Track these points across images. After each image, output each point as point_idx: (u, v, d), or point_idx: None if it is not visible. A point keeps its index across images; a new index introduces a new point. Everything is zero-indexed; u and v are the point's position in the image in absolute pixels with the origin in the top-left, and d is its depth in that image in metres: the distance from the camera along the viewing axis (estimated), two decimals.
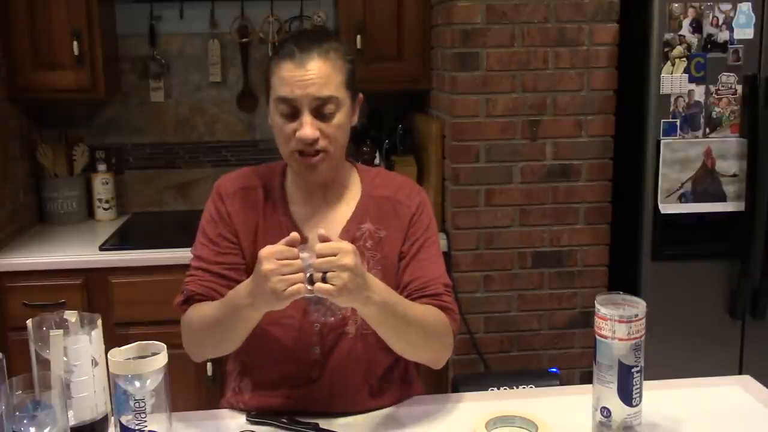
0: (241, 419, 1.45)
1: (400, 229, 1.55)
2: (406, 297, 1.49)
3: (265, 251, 1.26)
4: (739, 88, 2.58)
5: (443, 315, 1.51)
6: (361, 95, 1.53)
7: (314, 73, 1.40)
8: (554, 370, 2.46)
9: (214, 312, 1.42)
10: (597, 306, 1.27)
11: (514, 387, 2.03)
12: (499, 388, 2.01)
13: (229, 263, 1.51)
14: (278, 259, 1.24)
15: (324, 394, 1.49)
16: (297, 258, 1.25)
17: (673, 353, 2.59)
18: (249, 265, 1.50)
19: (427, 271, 1.53)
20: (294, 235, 1.28)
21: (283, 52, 1.44)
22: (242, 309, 1.34)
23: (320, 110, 1.42)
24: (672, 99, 2.57)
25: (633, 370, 1.26)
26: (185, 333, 1.51)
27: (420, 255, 1.54)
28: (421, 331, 1.44)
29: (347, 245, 1.27)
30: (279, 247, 1.26)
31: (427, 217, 1.58)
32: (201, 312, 1.46)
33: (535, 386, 1.98)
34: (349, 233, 1.51)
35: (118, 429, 1.17)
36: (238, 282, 1.44)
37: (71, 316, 1.28)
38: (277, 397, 1.50)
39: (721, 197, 2.62)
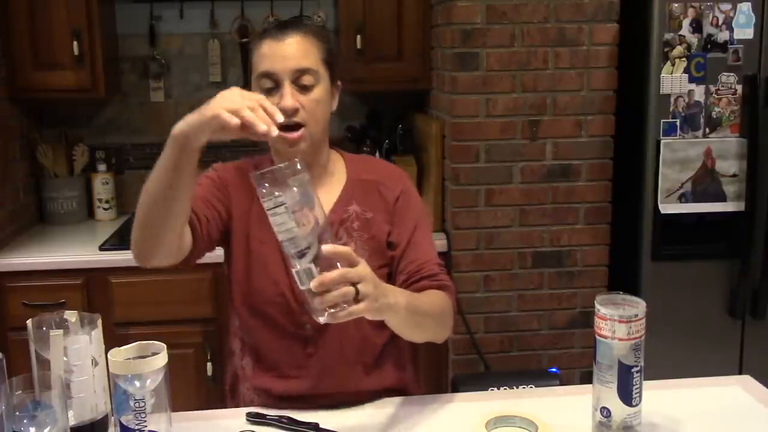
0: (241, 419, 1.45)
1: (386, 211, 1.59)
2: (406, 280, 1.53)
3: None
4: (739, 88, 2.58)
5: (445, 295, 1.55)
6: (339, 83, 1.58)
7: (293, 47, 1.47)
8: (554, 370, 2.46)
9: (144, 188, 1.39)
10: (597, 306, 1.27)
11: (514, 387, 2.02)
12: (499, 388, 2.01)
13: (209, 211, 1.51)
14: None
15: (319, 371, 1.53)
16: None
17: (673, 353, 2.59)
18: (237, 249, 1.54)
19: (421, 253, 1.57)
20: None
21: (263, 34, 1.52)
22: (167, 148, 1.30)
23: (299, 82, 1.46)
24: (672, 99, 2.57)
25: (633, 370, 1.26)
26: (132, 238, 1.50)
27: (414, 240, 1.58)
28: (433, 321, 1.49)
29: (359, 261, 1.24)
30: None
31: (413, 200, 1.64)
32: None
33: (535, 386, 1.98)
34: (336, 214, 1.55)
35: (118, 429, 1.17)
36: (205, 226, 1.47)
37: (71, 316, 1.29)
38: (277, 377, 1.54)
39: (721, 197, 2.62)
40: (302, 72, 1.46)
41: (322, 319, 1.20)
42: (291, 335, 1.54)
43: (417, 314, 1.40)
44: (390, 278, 1.57)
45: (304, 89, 1.47)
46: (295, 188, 1.18)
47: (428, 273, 1.55)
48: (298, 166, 1.19)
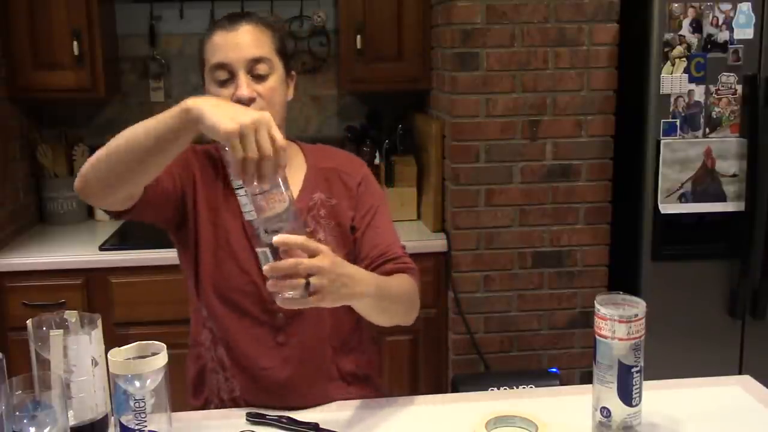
0: (241, 419, 1.45)
1: (349, 198, 1.59)
2: (370, 265, 1.53)
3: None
4: (739, 88, 2.58)
5: (409, 278, 1.56)
6: (294, 73, 1.58)
7: (246, 36, 1.45)
8: (554, 370, 2.46)
9: (129, 133, 1.34)
10: (597, 306, 1.27)
11: (514, 387, 2.02)
12: (499, 388, 2.01)
13: (168, 182, 1.47)
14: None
15: (294, 358, 1.52)
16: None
17: (673, 353, 2.59)
18: (205, 237, 1.52)
19: (383, 237, 1.58)
20: None
21: (214, 26, 1.49)
22: (173, 116, 1.25)
23: (254, 71, 1.45)
24: (672, 99, 2.57)
25: (633, 370, 1.26)
26: (85, 170, 1.37)
27: (374, 223, 1.58)
28: (402, 305, 1.50)
29: (320, 247, 1.23)
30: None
31: (372, 186, 1.64)
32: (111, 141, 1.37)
33: (535, 386, 1.98)
34: (302, 202, 1.54)
35: (118, 429, 1.17)
36: (154, 190, 1.43)
37: (71, 316, 1.28)
38: (253, 368, 1.53)
39: (721, 197, 2.62)
40: (256, 61, 1.45)
41: (278, 302, 1.22)
42: (262, 323, 1.52)
43: (385, 299, 1.42)
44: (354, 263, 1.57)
45: (259, 78, 1.46)
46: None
47: (392, 256, 1.55)
48: None
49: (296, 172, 1.58)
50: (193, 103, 1.23)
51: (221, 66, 1.45)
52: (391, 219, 1.65)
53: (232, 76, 1.45)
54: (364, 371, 1.64)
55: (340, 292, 1.24)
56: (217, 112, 1.20)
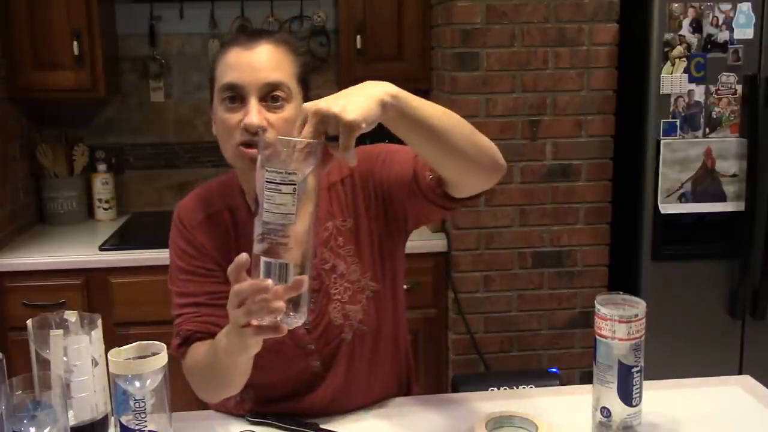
0: (241, 419, 1.45)
1: (365, 206, 1.43)
2: (419, 193, 1.34)
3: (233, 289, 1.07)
4: (739, 88, 2.58)
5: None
6: None
7: (264, 57, 1.29)
8: (554, 370, 2.45)
9: (203, 359, 1.31)
10: (597, 306, 1.27)
11: (514, 387, 2.02)
12: (499, 388, 2.01)
13: (219, 292, 1.34)
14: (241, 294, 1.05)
15: (328, 398, 1.46)
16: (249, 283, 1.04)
17: (673, 353, 2.59)
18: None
19: (408, 163, 1.37)
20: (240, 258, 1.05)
21: (228, 41, 1.35)
22: (220, 356, 1.21)
23: (268, 97, 1.29)
24: (672, 99, 2.57)
25: (633, 370, 1.26)
26: (189, 379, 1.38)
27: (388, 160, 1.40)
28: (463, 130, 1.21)
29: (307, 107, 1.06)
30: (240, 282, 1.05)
31: (370, 149, 1.43)
32: (195, 358, 1.34)
33: (535, 386, 1.98)
34: (317, 237, 1.39)
35: (118, 429, 1.17)
36: None
37: (71, 316, 1.28)
38: (281, 407, 1.47)
39: (721, 197, 2.62)
40: (272, 86, 1.29)
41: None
42: (296, 374, 1.44)
43: (425, 111, 1.16)
44: (394, 282, 1.48)
45: (274, 106, 1.29)
46: (309, 172, 1.02)
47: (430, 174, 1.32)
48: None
49: None
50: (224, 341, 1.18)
51: (232, 87, 1.29)
52: (404, 150, 1.38)
53: (243, 101, 1.29)
54: (401, 385, 1.58)
55: (350, 101, 1.05)
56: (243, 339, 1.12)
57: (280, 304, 1.02)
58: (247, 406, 1.50)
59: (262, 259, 1.03)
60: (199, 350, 1.35)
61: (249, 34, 1.37)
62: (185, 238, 1.43)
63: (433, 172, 1.30)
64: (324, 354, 1.44)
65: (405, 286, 1.56)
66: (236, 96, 1.30)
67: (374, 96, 1.08)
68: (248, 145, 1.28)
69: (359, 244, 1.43)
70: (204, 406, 1.59)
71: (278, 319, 1.06)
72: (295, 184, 1.00)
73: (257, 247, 1.03)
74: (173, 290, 1.45)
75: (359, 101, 1.05)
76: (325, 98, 1.06)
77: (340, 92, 1.09)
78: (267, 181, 1.00)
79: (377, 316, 1.45)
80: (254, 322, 1.07)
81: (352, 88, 1.10)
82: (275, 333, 1.07)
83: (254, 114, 1.27)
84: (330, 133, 1.04)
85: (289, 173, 1.00)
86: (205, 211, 1.45)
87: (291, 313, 1.05)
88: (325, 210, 1.43)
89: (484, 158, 1.24)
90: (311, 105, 1.04)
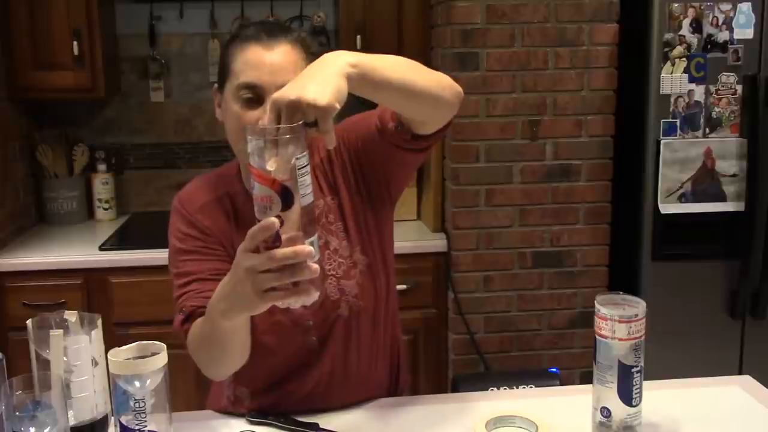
0: (241, 419, 1.45)
1: (343, 177, 1.47)
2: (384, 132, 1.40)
3: (243, 246, 1.09)
4: (739, 88, 2.58)
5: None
6: None
7: (283, 58, 1.33)
8: (554, 370, 2.45)
9: (201, 329, 1.33)
10: (597, 306, 1.27)
11: (514, 387, 2.02)
12: (499, 388, 2.01)
13: (223, 270, 1.33)
14: (254, 251, 1.07)
15: (325, 379, 1.48)
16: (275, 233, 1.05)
17: (673, 353, 2.59)
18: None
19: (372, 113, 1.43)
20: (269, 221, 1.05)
21: (248, 35, 1.35)
22: (217, 320, 1.22)
23: None
24: (672, 99, 2.57)
25: (633, 370, 1.26)
26: (192, 351, 1.40)
27: (357, 130, 1.44)
28: (421, 72, 1.28)
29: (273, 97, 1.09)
30: (255, 233, 1.06)
31: (347, 123, 1.47)
32: (195, 331, 1.36)
33: (535, 386, 1.98)
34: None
35: (118, 429, 1.17)
36: None
37: (71, 316, 1.28)
38: (278, 396, 1.49)
39: (721, 197, 2.62)
40: None
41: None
42: (292, 355, 1.46)
43: (385, 68, 1.23)
44: (384, 255, 1.50)
45: None
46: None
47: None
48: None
49: None
50: (216, 308, 1.20)
51: (251, 87, 1.32)
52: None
53: (259, 98, 1.33)
54: (392, 366, 1.59)
55: (311, 78, 1.08)
56: (232, 303, 1.16)
57: (315, 266, 1.07)
58: (245, 403, 1.50)
59: (307, 240, 1.06)
60: (197, 326, 1.37)
61: (268, 29, 1.36)
62: (187, 222, 1.45)
63: (395, 119, 1.36)
64: (321, 330, 1.46)
65: (401, 281, 1.54)
66: (254, 96, 1.33)
67: (338, 72, 1.11)
68: None
69: (345, 219, 1.47)
70: (204, 406, 1.59)
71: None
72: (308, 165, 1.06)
73: (295, 235, 1.05)
74: (174, 273, 1.46)
75: (328, 82, 1.08)
76: (292, 85, 1.08)
77: (303, 74, 1.12)
78: (298, 168, 1.04)
79: (373, 290, 1.47)
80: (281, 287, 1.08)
81: (313, 67, 1.13)
82: (304, 296, 1.10)
83: None
84: (307, 120, 1.07)
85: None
86: (207, 196, 1.47)
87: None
88: (315, 189, 1.41)
89: (445, 90, 1.30)
90: (282, 97, 1.07)
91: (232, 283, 1.14)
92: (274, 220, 1.03)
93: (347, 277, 1.46)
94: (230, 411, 1.52)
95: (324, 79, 1.09)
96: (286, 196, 1.04)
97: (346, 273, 1.46)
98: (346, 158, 1.47)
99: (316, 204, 1.38)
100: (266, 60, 1.32)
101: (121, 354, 1.18)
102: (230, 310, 1.18)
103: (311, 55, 1.38)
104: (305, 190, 1.06)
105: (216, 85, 1.44)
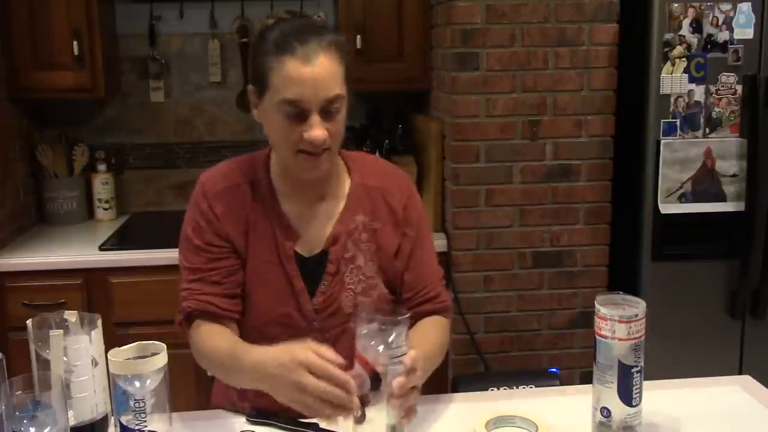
0: (241, 419, 1.45)
1: (394, 223, 1.55)
2: (411, 299, 1.53)
3: (311, 357, 1.21)
4: (739, 88, 2.58)
5: (442, 320, 1.57)
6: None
7: (322, 73, 1.35)
8: (554, 370, 2.45)
9: (221, 354, 1.41)
10: (597, 306, 1.27)
11: (514, 387, 2.02)
12: (499, 388, 2.01)
13: (224, 268, 1.48)
14: (319, 377, 1.19)
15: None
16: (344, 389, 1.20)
17: (673, 353, 2.59)
18: (243, 259, 1.50)
19: (426, 268, 1.57)
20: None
21: (284, 48, 1.36)
22: (242, 379, 1.36)
23: (327, 109, 1.38)
24: (672, 99, 2.57)
25: (633, 370, 1.26)
26: (195, 354, 1.49)
27: (417, 254, 1.56)
28: (438, 360, 1.52)
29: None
30: (332, 377, 1.20)
31: (418, 208, 1.60)
32: (212, 342, 1.44)
33: (535, 386, 1.98)
34: (343, 225, 1.51)
35: (118, 429, 1.17)
36: (236, 289, 1.46)
37: (71, 316, 1.28)
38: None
39: (721, 197, 2.62)
40: (331, 101, 1.37)
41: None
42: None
43: (431, 369, 1.45)
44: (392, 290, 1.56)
45: (330, 115, 1.39)
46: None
47: (431, 295, 1.55)
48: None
49: (340, 191, 1.54)
50: (256, 377, 1.31)
51: (294, 103, 1.36)
52: (433, 245, 1.62)
53: (302, 112, 1.36)
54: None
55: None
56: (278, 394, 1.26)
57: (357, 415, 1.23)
58: (249, 396, 1.51)
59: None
60: (212, 335, 1.44)
61: (301, 38, 1.36)
62: (201, 209, 1.50)
63: (398, 294, 1.55)
64: (326, 335, 1.48)
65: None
66: (298, 110, 1.36)
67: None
68: (308, 152, 1.40)
69: (380, 247, 1.53)
70: (204, 406, 1.59)
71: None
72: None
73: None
74: (181, 259, 1.53)
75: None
76: (418, 378, 1.26)
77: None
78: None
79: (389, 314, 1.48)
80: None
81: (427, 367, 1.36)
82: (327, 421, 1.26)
83: (319, 131, 1.37)
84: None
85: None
86: (228, 182, 1.52)
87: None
88: (358, 202, 1.53)
89: (443, 353, 1.54)
90: (418, 381, 1.26)
91: (278, 373, 1.23)
92: (355, 401, 1.20)
93: (365, 295, 1.51)
94: (235, 404, 1.54)
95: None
96: (376, 380, 1.22)
97: (365, 291, 1.51)
98: (399, 229, 1.55)
99: (353, 218, 1.52)
100: (306, 76, 1.34)
101: (121, 354, 1.18)
102: (259, 384, 1.30)
103: (347, 52, 1.44)
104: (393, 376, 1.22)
105: (251, 86, 1.46)
